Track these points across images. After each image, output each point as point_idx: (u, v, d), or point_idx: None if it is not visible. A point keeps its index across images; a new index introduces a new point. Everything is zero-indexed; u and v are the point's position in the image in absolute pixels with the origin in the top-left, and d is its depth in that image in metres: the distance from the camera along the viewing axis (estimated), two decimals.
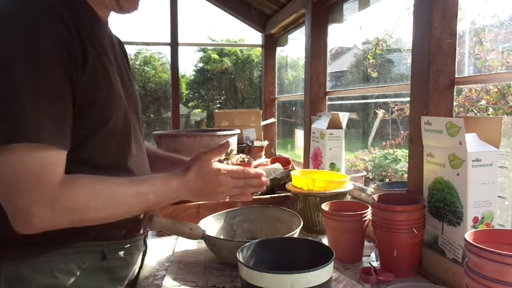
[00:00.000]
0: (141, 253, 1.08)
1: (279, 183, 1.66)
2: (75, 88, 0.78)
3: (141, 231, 1.04)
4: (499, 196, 0.98)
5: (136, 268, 1.04)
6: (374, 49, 4.49)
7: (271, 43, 2.94)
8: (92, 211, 0.79)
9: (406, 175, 1.77)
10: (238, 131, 1.52)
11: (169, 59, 2.92)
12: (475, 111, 3.07)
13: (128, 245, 0.99)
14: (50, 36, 0.74)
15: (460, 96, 3.13)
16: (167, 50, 2.88)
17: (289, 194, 1.47)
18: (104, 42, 0.91)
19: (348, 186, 1.42)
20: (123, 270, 0.98)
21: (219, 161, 1.09)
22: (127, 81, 1.00)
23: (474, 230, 0.83)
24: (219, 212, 1.28)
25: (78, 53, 0.78)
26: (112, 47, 0.98)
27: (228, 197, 0.96)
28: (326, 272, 0.77)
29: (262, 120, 2.84)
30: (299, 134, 2.65)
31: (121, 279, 0.98)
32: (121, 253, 0.97)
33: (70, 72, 0.76)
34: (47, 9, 0.77)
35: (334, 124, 1.71)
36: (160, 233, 1.36)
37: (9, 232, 0.78)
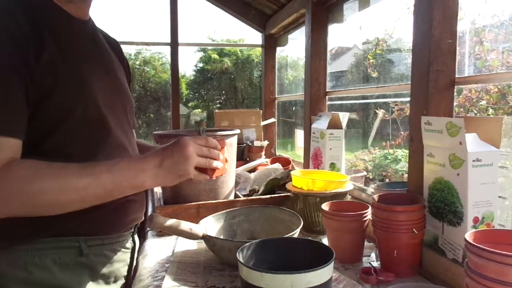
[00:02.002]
0: (129, 251, 1.07)
1: (279, 183, 1.66)
2: (27, 80, 0.79)
3: (126, 228, 1.03)
4: (499, 196, 0.98)
5: (122, 265, 1.04)
6: (374, 49, 4.49)
7: (271, 43, 2.93)
8: (38, 194, 0.76)
9: (406, 175, 1.77)
10: (238, 131, 1.52)
11: (169, 59, 2.92)
12: (475, 111, 3.07)
13: (110, 242, 0.98)
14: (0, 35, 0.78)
15: (460, 96, 3.13)
16: (167, 50, 2.88)
17: (289, 194, 1.47)
18: (74, 37, 0.94)
19: (348, 186, 1.42)
20: (106, 268, 0.97)
21: None
22: (112, 75, 1.03)
23: (475, 230, 0.83)
24: (219, 212, 1.28)
25: (31, 47, 0.80)
26: (94, 44, 1.01)
27: (193, 175, 0.88)
28: (326, 272, 0.77)
29: (262, 120, 2.84)
30: (299, 134, 2.65)
31: (105, 277, 0.97)
32: (101, 249, 0.96)
33: (19, 66, 0.78)
34: (2, 10, 0.81)
35: (334, 124, 1.71)
36: (160, 233, 1.36)
37: None
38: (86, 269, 0.93)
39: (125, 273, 1.05)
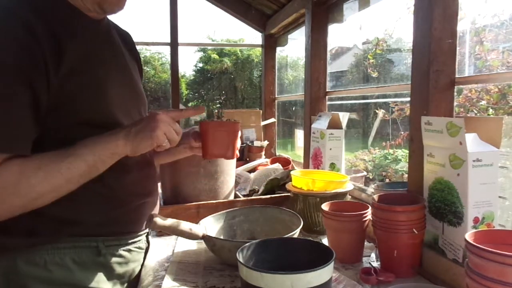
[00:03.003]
0: (143, 251, 1.08)
1: (279, 183, 1.66)
2: (41, 90, 0.78)
3: (141, 228, 1.04)
4: (499, 197, 0.97)
5: (137, 265, 1.04)
6: (374, 49, 4.50)
7: (271, 43, 2.93)
8: (29, 187, 0.77)
9: (406, 175, 1.77)
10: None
11: (169, 59, 2.92)
12: (475, 111, 3.07)
13: (126, 242, 0.99)
14: (8, 43, 0.75)
15: (460, 96, 3.14)
16: (167, 50, 2.89)
17: (289, 194, 1.47)
18: (93, 41, 0.92)
19: (348, 186, 1.42)
20: (122, 267, 0.98)
21: None
22: (127, 76, 1.01)
23: (475, 230, 0.83)
24: (219, 212, 1.28)
25: (47, 56, 0.78)
26: (109, 45, 0.98)
27: (162, 141, 0.87)
28: (326, 273, 0.76)
29: (262, 120, 2.84)
30: (299, 134, 2.65)
31: (120, 276, 0.98)
32: (119, 249, 0.97)
33: (32, 77, 0.76)
34: (9, 15, 0.77)
35: (334, 124, 1.71)
36: (160, 233, 1.36)
37: (4, 224, 0.79)
38: (103, 269, 0.93)
39: (137, 273, 1.06)
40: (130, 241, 1.01)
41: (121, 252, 0.97)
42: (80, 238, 0.90)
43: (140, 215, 1.02)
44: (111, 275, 0.95)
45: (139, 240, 1.04)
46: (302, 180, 1.41)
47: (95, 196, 0.90)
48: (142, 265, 1.09)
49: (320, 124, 1.77)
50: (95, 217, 0.91)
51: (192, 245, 1.27)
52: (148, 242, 1.11)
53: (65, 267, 0.87)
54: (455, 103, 1.12)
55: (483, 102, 3.05)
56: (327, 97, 2.02)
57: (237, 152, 1.08)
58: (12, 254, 0.85)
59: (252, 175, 1.92)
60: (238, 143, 1.08)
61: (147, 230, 1.09)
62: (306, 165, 2.00)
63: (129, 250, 1.00)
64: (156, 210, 1.12)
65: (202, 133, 1.05)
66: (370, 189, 1.55)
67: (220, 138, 1.05)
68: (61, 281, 0.87)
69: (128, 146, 0.86)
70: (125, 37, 1.10)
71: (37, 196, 0.79)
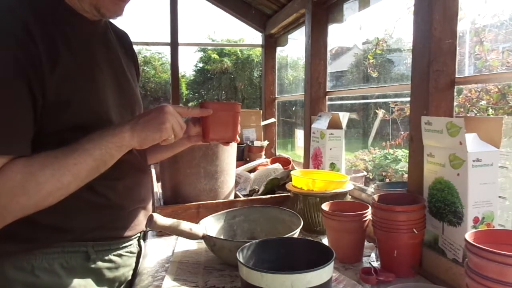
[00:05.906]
0: (135, 255, 1.06)
1: (279, 183, 1.66)
2: (37, 90, 0.77)
3: (132, 233, 1.02)
4: (499, 196, 0.98)
5: (128, 270, 1.03)
6: (374, 49, 4.50)
7: (271, 43, 2.93)
8: (37, 186, 0.76)
9: (406, 175, 1.77)
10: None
11: (169, 59, 2.92)
12: (475, 111, 3.07)
13: (116, 247, 0.98)
14: (6, 41, 0.74)
15: (460, 96, 3.14)
16: (167, 50, 2.89)
17: (289, 194, 1.47)
18: (90, 42, 0.91)
19: (348, 186, 1.42)
20: (112, 272, 0.97)
21: None
22: (123, 79, 1.00)
23: (475, 230, 0.83)
24: (219, 212, 1.28)
25: (43, 56, 0.77)
26: (105, 46, 0.97)
27: (169, 134, 0.88)
28: (326, 272, 0.76)
29: (262, 120, 2.84)
30: (299, 134, 2.65)
31: (111, 282, 0.97)
32: (109, 254, 0.96)
33: (29, 76, 0.75)
34: (8, 13, 0.77)
35: (334, 124, 1.71)
36: (160, 233, 1.36)
37: None
38: (93, 274, 0.92)
39: (129, 278, 1.05)
40: (121, 246, 0.99)
41: (111, 257, 0.96)
42: (70, 243, 0.88)
43: (132, 221, 1.01)
44: (100, 280, 0.93)
45: (130, 245, 1.03)
46: (302, 180, 1.41)
47: (86, 204, 0.89)
48: (135, 270, 1.07)
49: (320, 124, 1.77)
50: (86, 224, 0.89)
51: (192, 245, 1.27)
52: (140, 246, 1.10)
53: (53, 273, 0.86)
54: (455, 103, 1.12)
55: (483, 102, 3.05)
56: (327, 97, 2.02)
57: (237, 137, 1.06)
58: None
59: (252, 175, 1.92)
60: (239, 127, 1.06)
61: (139, 235, 1.07)
62: (306, 165, 2.00)
63: (120, 255, 0.99)
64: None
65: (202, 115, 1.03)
66: (370, 189, 1.55)
67: (221, 119, 1.02)
68: (48, 286, 0.85)
69: (135, 138, 0.85)
70: (122, 38, 1.09)
71: (46, 194, 0.78)
